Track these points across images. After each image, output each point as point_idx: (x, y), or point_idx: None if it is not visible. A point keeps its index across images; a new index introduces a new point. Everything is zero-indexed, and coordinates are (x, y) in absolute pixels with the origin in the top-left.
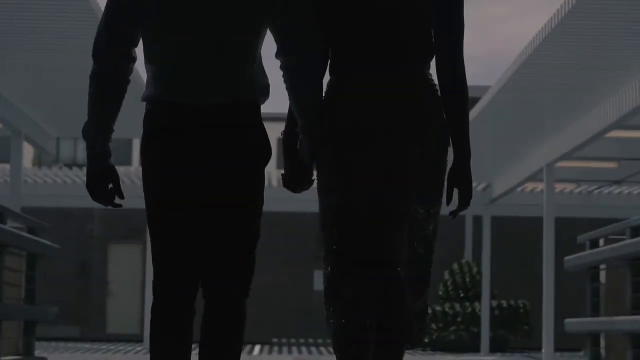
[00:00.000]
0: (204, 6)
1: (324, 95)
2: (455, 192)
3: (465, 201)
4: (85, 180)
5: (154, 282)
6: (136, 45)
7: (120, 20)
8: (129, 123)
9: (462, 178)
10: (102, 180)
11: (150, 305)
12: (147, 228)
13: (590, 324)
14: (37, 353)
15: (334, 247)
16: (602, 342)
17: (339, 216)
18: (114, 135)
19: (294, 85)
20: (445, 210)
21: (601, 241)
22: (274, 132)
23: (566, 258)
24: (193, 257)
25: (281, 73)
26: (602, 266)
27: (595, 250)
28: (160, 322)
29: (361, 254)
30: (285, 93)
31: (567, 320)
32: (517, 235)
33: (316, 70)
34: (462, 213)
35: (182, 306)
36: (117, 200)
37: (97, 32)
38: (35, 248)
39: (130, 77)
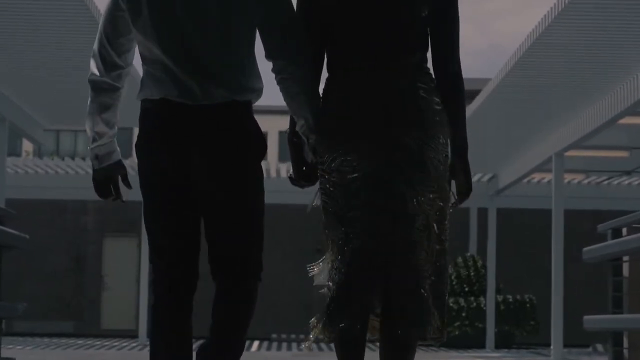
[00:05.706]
0: (190, 10)
1: (321, 93)
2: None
3: (461, 193)
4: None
5: (154, 278)
6: (129, 54)
7: (110, 45)
8: (130, 112)
9: (458, 170)
10: (106, 179)
11: (146, 300)
12: (143, 222)
13: (612, 322)
14: (31, 349)
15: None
16: (625, 342)
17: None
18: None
19: (284, 89)
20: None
21: (624, 230)
22: (277, 125)
23: (585, 249)
24: (188, 250)
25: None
26: (625, 258)
27: (618, 240)
28: (162, 316)
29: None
30: None
31: (586, 317)
32: (523, 227)
33: (306, 73)
34: (466, 205)
35: (182, 299)
36: (125, 193)
37: (94, 47)
38: (1, 238)
39: (130, 71)
